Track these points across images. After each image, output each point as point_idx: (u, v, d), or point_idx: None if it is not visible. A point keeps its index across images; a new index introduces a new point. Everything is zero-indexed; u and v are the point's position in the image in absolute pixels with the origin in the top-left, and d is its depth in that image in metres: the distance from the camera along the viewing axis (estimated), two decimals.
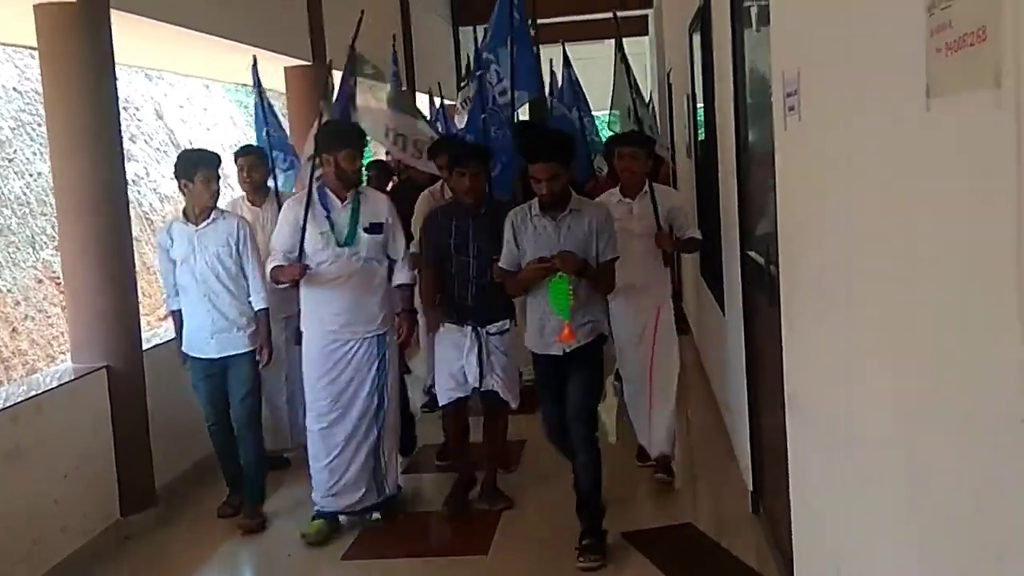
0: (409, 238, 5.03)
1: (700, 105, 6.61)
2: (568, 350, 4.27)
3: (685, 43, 7.43)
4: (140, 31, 6.01)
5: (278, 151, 6.31)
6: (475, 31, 6.55)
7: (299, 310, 4.83)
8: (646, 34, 15.64)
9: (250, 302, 4.86)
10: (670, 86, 10.48)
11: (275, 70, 8.23)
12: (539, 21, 9.19)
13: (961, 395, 1.69)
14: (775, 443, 3.71)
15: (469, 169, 4.70)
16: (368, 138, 5.27)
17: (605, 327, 4.45)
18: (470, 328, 4.73)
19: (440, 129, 8.91)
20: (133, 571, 4.66)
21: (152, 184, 12.74)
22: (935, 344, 1.80)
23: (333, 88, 5.83)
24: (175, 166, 4.87)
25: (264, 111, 6.42)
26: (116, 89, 5.03)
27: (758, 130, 4.15)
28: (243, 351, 4.85)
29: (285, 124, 7.20)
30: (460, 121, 6.85)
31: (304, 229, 4.62)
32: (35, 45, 4.95)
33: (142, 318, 5.21)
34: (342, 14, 5.99)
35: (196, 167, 4.77)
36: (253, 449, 4.98)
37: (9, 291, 9.62)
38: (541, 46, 8.52)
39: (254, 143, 6.41)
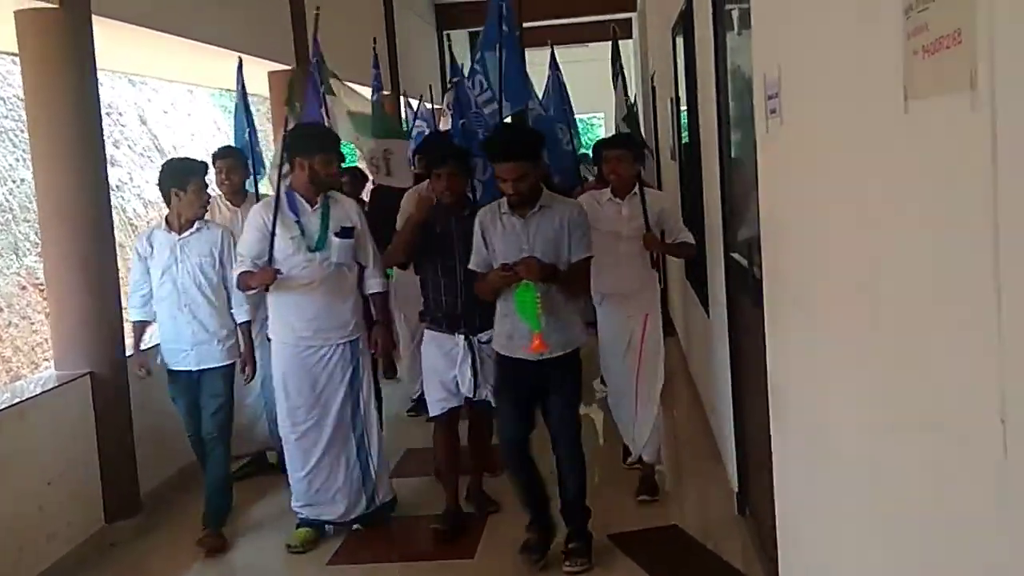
0: (388, 241, 4.93)
1: (684, 108, 6.64)
2: (542, 358, 4.08)
3: (668, 46, 7.46)
4: (123, 36, 5.99)
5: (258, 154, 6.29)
6: (448, 40, 6.57)
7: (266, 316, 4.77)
8: (630, 37, 15.70)
9: (231, 314, 4.77)
10: (654, 89, 10.50)
11: (259, 74, 8.22)
12: (525, 24, 9.20)
13: (931, 397, 1.70)
14: (760, 444, 3.73)
15: (445, 169, 4.63)
16: (349, 142, 5.27)
17: (582, 335, 4.30)
18: (462, 337, 4.62)
19: (426, 130, 8.96)
20: None
21: (136, 190, 12.68)
22: (911, 346, 1.82)
23: (296, 95, 5.81)
24: (163, 175, 4.75)
25: (247, 114, 6.41)
26: (98, 94, 5.01)
27: (741, 133, 4.17)
28: (220, 364, 4.75)
29: (269, 128, 7.20)
30: (446, 124, 6.90)
31: (273, 234, 4.53)
32: (16, 51, 4.92)
33: (126, 325, 5.18)
34: (326, 18, 5.98)
35: (189, 177, 4.67)
36: (220, 464, 4.82)
37: None
38: (527, 49, 8.54)
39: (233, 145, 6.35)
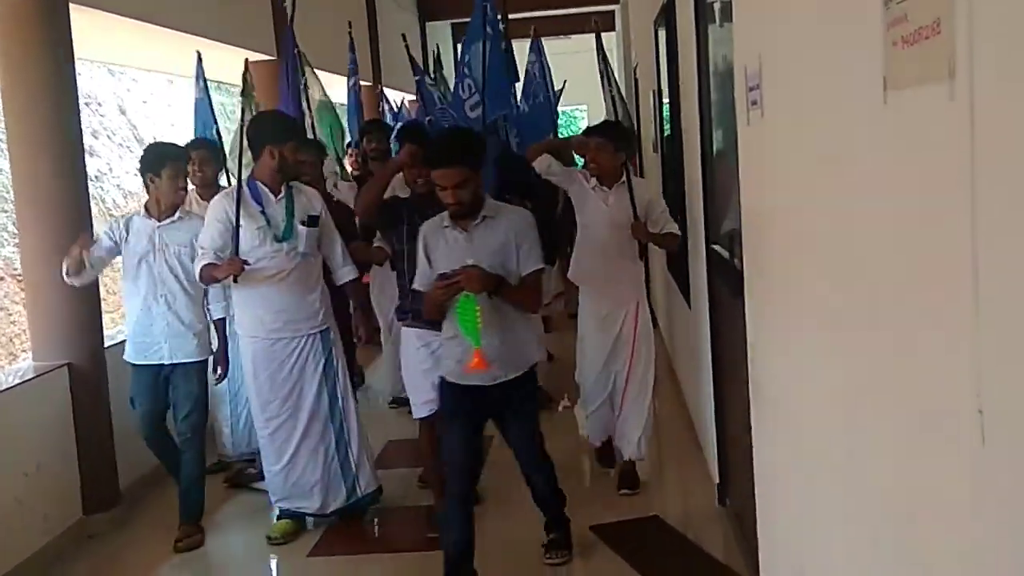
0: (371, 232, 4.85)
1: (666, 101, 6.64)
2: (495, 382, 3.80)
3: (651, 38, 7.46)
4: (100, 25, 5.94)
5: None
6: (423, 35, 6.58)
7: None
8: (613, 29, 15.70)
9: (208, 309, 4.71)
10: (637, 81, 10.50)
11: (237, 64, 8.16)
12: (509, 16, 9.19)
13: (909, 387, 1.71)
14: (741, 436, 3.74)
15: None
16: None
17: (536, 352, 4.06)
18: None
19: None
20: (95, 570, 4.62)
21: (115, 180, 12.58)
22: (890, 337, 1.82)
23: (252, 86, 5.73)
24: (141, 159, 4.69)
25: (211, 109, 6.35)
26: (76, 82, 4.95)
27: (722, 125, 4.17)
28: (194, 360, 4.66)
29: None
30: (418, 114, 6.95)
31: (238, 226, 4.41)
32: None
33: (104, 315, 5.14)
34: (308, 7, 5.95)
35: (163, 161, 4.59)
36: (195, 465, 4.75)
37: None
38: (512, 41, 8.52)
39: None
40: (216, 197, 4.65)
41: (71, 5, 4.91)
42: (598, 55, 6.40)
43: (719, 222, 4.44)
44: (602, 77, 6.25)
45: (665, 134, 7.11)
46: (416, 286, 3.95)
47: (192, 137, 6.11)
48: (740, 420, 3.70)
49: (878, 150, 1.83)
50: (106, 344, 5.09)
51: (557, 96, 7.82)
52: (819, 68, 2.27)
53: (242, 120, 4.81)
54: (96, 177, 11.65)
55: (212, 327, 4.80)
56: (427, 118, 5.63)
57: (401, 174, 4.76)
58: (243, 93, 5.25)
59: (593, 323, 4.99)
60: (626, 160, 4.91)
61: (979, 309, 1.37)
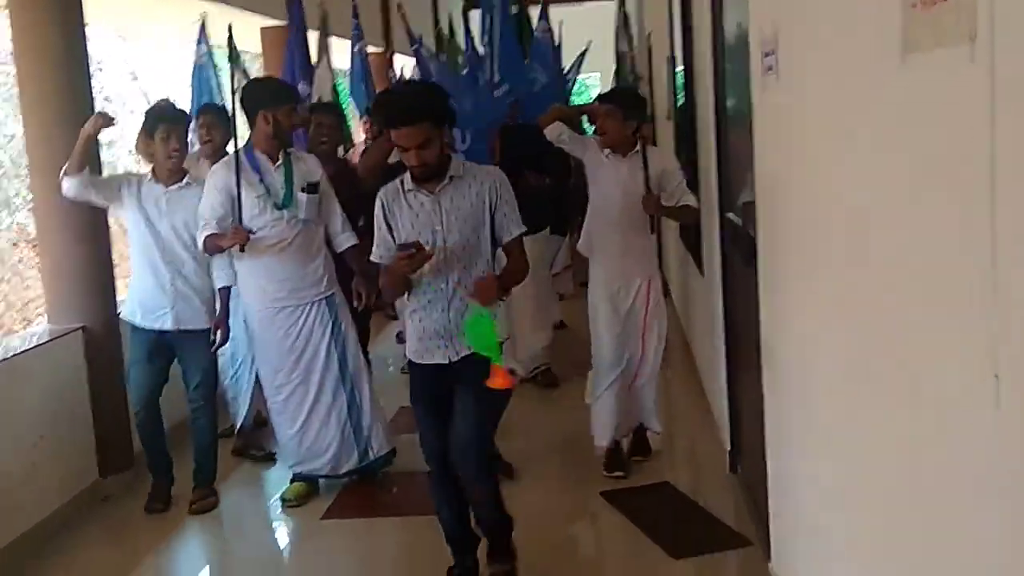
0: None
1: (680, 68, 6.59)
2: (454, 360, 3.47)
3: (665, 4, 7.39)
4: None
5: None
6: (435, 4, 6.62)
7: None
8: None
9: (212, 277, 4.61)
10: (651, 48, 10.42)
11: (251, 30, 8.13)
12: None
13: (922, 354, 1.70)
14: (752, 402, 3.74)
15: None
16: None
17: (503, 328, 3.48)
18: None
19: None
20: (110, 532, 4.67)
21: (127, 146, 12.59)
22: (904, 303, 1.82)
23: (237, 54, 5.60)
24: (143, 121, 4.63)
25: (215, 76, 6.26)
26: (87, 49, 4.94)
27: (737, 91, 4.14)
28: (202, 328, 4.60)
29: None
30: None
31: (239, 195, 4.34)
32: (4, 4, 4.86)
33: (117, 279, 5.15)
34: None
35: (157, 123, 4.51)
36: (208, 432, 4.75)
37: None
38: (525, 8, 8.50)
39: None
40: (215, 166, 4.56)
41: None
42: (620, 14, 6.34)
43: (733, 190, 4.41)
44: (617, 37, 6.19)
45: (679, 102, 7.07)
46: (374, 258, 3.55)
47: (188, 104, 6.02)
48: (752, 386, 3.70)
49: (895, 114, 1.82)
50: (119, 309, 5.11)
51: (579, 61, 7.77)
52: (835, 32, 2.25)
53: (233, 87, 4.73)
54: (108, 143, 11.64)
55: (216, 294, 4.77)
56: None
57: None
58: (230, 59, 5.08)
59: (604, 295, 4.80)
60: (638, 128, 4.73)
61: (997, 275, 1.37)
